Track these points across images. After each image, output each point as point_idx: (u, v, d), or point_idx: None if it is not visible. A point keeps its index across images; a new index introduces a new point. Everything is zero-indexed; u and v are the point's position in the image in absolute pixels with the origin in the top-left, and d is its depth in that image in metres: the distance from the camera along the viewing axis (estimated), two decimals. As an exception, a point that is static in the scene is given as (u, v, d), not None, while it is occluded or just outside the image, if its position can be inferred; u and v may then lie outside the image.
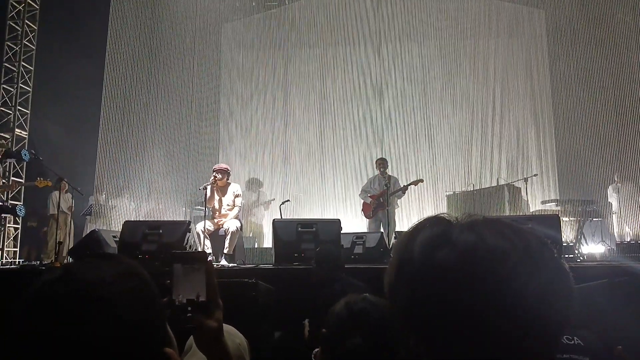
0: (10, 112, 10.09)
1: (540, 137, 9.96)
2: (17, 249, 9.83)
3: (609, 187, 8.62)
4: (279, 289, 4.27)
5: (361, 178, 9.80)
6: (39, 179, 7.64)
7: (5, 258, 9.35)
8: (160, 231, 5.53)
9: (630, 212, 8.46)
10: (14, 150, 9.60)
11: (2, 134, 9.99)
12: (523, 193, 8.51)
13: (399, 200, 8.15)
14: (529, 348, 0.65)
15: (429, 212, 9.16)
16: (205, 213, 6.29)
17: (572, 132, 9.19)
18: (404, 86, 10.24)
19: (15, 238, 9.87)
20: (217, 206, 6.49)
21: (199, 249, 5.71)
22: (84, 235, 7.33)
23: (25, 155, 7.76)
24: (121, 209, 9.02)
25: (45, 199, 9.04)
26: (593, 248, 7.28)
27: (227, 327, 1.23)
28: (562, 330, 0.69)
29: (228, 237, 6.11)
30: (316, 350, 1.61)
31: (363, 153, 10.22)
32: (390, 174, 8.19)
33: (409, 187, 7.98)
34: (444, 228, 0.71)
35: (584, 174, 8.78)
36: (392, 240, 6.51)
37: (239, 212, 6.59)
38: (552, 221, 5.39)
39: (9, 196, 9.40)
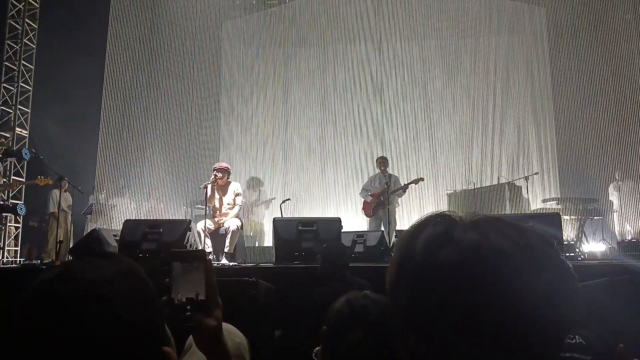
0: (11, 111, 10.09)
1: (541, 135, 9.95)
2: (18, 248, 9.84)
3: (610, 185, 8.61)
4: (280, 288, 4.27)
5: (362, 176, 9.80)
6: (39, 177, 7.64)
7: (6, 257, 9.35)
8: (161, 230, 5.54)
9: (631, 210, 8.45)
10: (14, 149, 9.60)
11: (2, 133, 9.99)
12: (524, 191, 8.50)
13: (399, 199, 8.14)
14: (532, 349, 0.64)
15: (430, 210, 9.12)
16: (205, 212, 6.29)
17: (573, 130, 9.18)
18: (404, 84, 10.23)
19: (16, 237, 9.88)
20: (217, 205, 6.50)
21: (200, 248, 5.71)
22: (84, 234, 7.34)
23: (25, 154, 7.75)
24: (121, 208, 9.02)
25: (45, 199, 9.05)
26: (594, 246, 7.29)
27: (227, 326, 1.22)
28: (566, 330, 0.68)
29: (228, 236, 6.11)
30: (317, 348, 1.61)
31: (364, 151, 10.21)
32: (390, 172, 8.18)
33: (410, 185, 7.98)
34: (447, 226, 0.71)
35: (585, 172, 8.77)
36: (393, 239, 6.51)
37: (239, 211, 6.59)
38: (553, 220, 5.38)
39: (10, 195, 9.40)
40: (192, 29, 10.21)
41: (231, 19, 10.87)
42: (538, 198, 9.08)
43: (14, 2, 10.21)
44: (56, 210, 8.20)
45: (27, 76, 10.32)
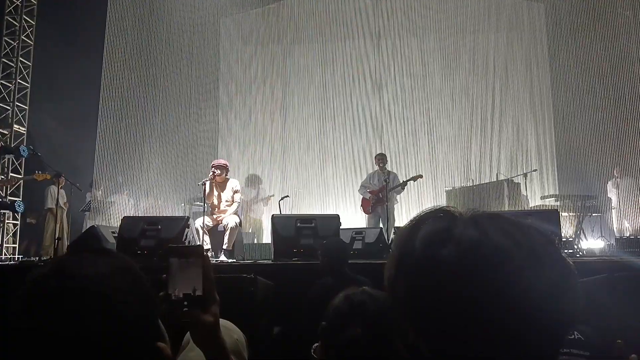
0: (9, 107, 10.06)
1: (540, 132, 9.95)
2: (17, 245, 9.83)
3: (609, 182, 8.63)
4: (278, 285, 4.27)
5: (360, 173, 9.79)
6: (37, 172, 7.62)
7: (4, 254, 9.34)
8: (159, 227, 5.54)
9: (629, 207, 8.47)
10: (12, 146, 9.59)
11: (0, 130, 9.97)
12: (522, 188, 8.51)
13: (398, 196, 8.14)
14: (532, 345, 0.64)
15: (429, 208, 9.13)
16: (204, 209, 6.29)
17: (571, 127, 9.19)
18: (403, 81, 10.22)
19: (14, 234, 9.86)
20: (216, 202, 6.49)
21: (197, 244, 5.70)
22: (83, 231, 7.33)
23: (23, 151, 7.74)
24: (120, 205, 9.01)
25: (42, 195, 9.02)
26: (592, 243, 7.29)
27: (225, 322, 1.22)
28: (566, 327, 0.68)
29: (227, 232, 6.11)
30: (316, 344, 1.61)
31: (362, 148, 10.21)
32: (389, 169, 8.18)
33: (409, 182, 7.97)
34: (446, 223, 0.70)
35: (584, 169, 8.78)
36: (392, 236, 6.51)
37: (238, 207, 6.59)
38: (551, 216, 5.40)
39: (8, 192, 9.39)
40: (190, 26, 10.19)
41: (229, 16, 10.84)
42: (537, 195, 9.08)
43: (11, -2, 10.18)
44: (54, 207, 8.18)
45: (24, 73, 10.28)
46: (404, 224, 0.77)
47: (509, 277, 0.64)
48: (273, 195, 9.55)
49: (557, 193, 9.02)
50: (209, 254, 5.87)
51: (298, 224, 5.67)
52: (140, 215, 8.54)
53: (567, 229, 7.47)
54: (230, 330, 1.51)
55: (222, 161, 6.61)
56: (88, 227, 6.92)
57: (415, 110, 10.15)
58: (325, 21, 10.41)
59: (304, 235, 5.56)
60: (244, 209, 8.98)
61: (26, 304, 0.72)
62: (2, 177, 9.36)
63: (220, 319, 1.03)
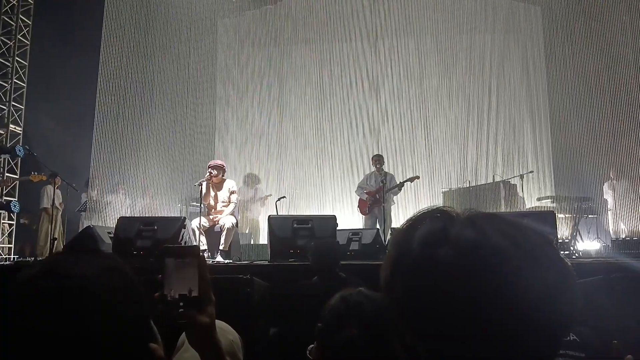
0: (5, 107, 10.03)
1: (537, 134, 9.98)
2: (12, 246, 9.79)
3: (605, 184, 8.65)
4: (274, 286, 4.26)
5: (357, 174, 9.79)
6: (33, 173, 7.59)
7: (0, 254, 9.31)
8: (155, 227, 5.52)
9: (625, 208, 8.49)
10: (8, 146, 9.55)
11: (-4, 130, 9.94)
12: (519, 190, 8.53)
13: (395, 197, 8.15)
14: (529, 346, 0.64)
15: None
16: (200, 209, 6.28)
17: (568, 129, 9.21)
18: (400, 81, 10.23)
19: (9, 234, 9.83)
20: (212, 202, 6.48)
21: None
22: (79, 231, 7.30)
23: (19, 151, 7.71)
24: (116, 205, 8.99)
25: (39, 194, 8.99)
26: (588, 245, 7.31)
27: (220, 324, 1.21)
28: (564, 329, 0.67)
29: (224, 233, 6.10)
30: (311, 345, 1.61)
31: (359, 149, 10.21)
32: (386, 170, 8.19)
33: (405, 183, 7.98)
34: (444, 223, 0.70)
35: (580, 171, 8.81)
36: (388, 237, 6.51)
37: (234, 208, 6.58)
38: (547, 218, 5.41)
39: (4, 192, 9.35)
40: (188, 26, 10.18)
41: (226, 16, 10.83)
42: (533, 196, 9.10)
43: (7, -3, 10.15)
44: (49, 207, 8.15)
45: (21, 72, 10.25)
46: (401, 224, 0.76)
47: (506, 278, 0.63)
48: (270, 195, 9.54)
49: (554, 194, 9.03)
50: (205, 254, 5.85)
51: (295, 225, 5.67)
52: (136, 215, 8.52)
53: (563, 231, 7.48)
54: (225, 332, 1.50)
55: (218, 162, 6.61)
56: (84, 227, 6.89)
57: (412, 111, 10.17)
58: (322, 22, 10.42)
59: (300, 236, 5.55)
60: (240, 209, 8.97)
61: (16, 304, 0.71)
62: (-2, 177, 9.34)
63: (216, 320, 1.02)
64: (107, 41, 9.37)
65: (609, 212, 8.58)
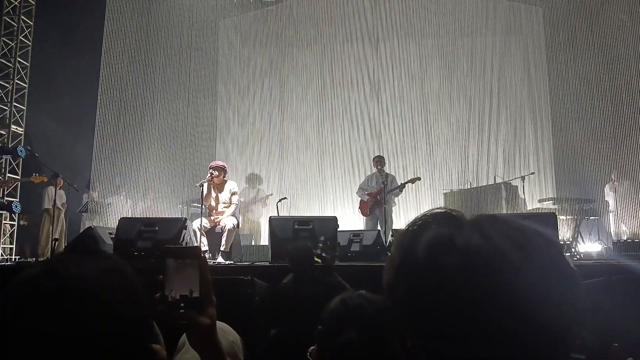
0: (6, 108, 10.05)
1: (538, 135, 9.96)
2: (13, 246, 9.80)
3: (606, 185, 8.64)
4: (275, 287, 4.25)
5: (359, 175, 9.79)
6: (34, 174, 7.60)
7: (1, 255, 9.31)
8: (156, 228, 5.52)
9: (626, 210, 8.48)
10: (9, 146, 9.57)
11: (-2, 131, 9.96)
12: (520, 191, 8.52)
13: (396, 198, 8.15)
14: (530, 348, 0.64)
15: (426, 210, 9.14)
16: (202, 210, 6.28)
17: (569, 131, 9.21)
18: (401, 83, 10.23)
19: (11, 235, 9.84)
20: (213, 203, 6.48)
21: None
22: (80, 232, 7.31)
23: (21, 151, 7.72)
24: (117, 206, 8.99)
25: (40, 196, 9.00)
26: (590, 246, 7.30)
27: (221, 325, 1.21)
28: (571, 334, 0.67)
29: (225, 234, 6.10)
30: (312, 347, 1.61)
31: (360, 150, 10.21)
32: (387, 171, 8.19)
33: (406, 185, 7.98)
34: (450, 229, 0.69)
35: (582, 173, 8.80)
36: (389, 239, 6.50)
37: (235, 209, 6.58)
38: (549, 219, 5.40)
39: (5, 193, 9.36)
40: (189, 27, 10.19)
41: (228, 17, 10.85)
42: (534, 198, 9.10)
43: (9, -2, 10.17)
44: (51, 207, 8.16)
45: (22, 73, 10.27)
46: (404, 226, 0.76)
47: (511, 285, 0.63)
48: (271, 194, 9.55)
49: (555, 196, 9.03)
50: (207, 255, 5.85)
51: (296, 226, 5.66)
52: (137, 216, 8.52)
53: (564, 232, 7.48)
54: (226, 333, 1.51)
55: (220, 163, 6.61)
56: (85, 228, 6.89)
57: (414, 112, 10.16)
58: (324, 23, 10.42)
59: (301, 237, 5.54)
60: (242, 210, 8.97)
61: (16, 304, 0.71)
62: (0, 177, 9.34)
63: (216, 321, 1.02)
64: (109, 42, 9.39)
65: (611, 214, 8.57)
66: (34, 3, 10.39)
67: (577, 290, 0.67)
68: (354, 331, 1.42)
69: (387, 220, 7.40)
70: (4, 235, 9.64)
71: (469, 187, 9.30)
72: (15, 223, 9.88)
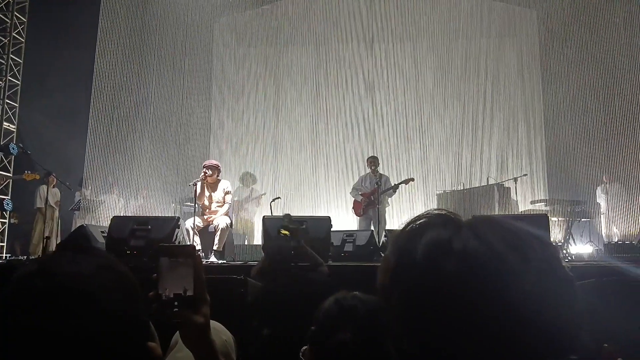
0: (-1, 105, 9.98)
1: (531, 137, 10.02)
2: (4, 244, 9.73)
3: (598, 188, 8.70)
4: (268, 286, 4.25)
5: (352, 175, 9.81)
6: (26, 172, 7.55)
7: (-8, 253, 9.25)
8: (149, 227, 5.49)
9: (618, 212, 8.54)
10: (1, 144, 9.50)
11: (-11, 127, 9.88)
12: (512, 193, 8.56)
13: (389, 198, 8.16)
14: (532, 355, 0.64)
15: (420, 211, 9.13)
16: (195, 209, 6.26)
17: (562, 133, 9.27)
18: (395, 84, 10.26)
19: (2, 233, 9.76)
20: (207, 203, 6.47)
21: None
22: (72, 230, 7.27)
23: (13, 149, 7.68)
24: (110, 205, 8.95)
25: (32, 194, 8.95)
26: (581, 248, 7.34)
27: (213, 324, 1.21)
28: (567, 336, 0.67)
29: (218, 233, 6.09)
30: (304, 347, 1.60)
31: (354, 150, 10.23)
32: (381, 172, 8.20)
33: (400, 185, 7.99)
34: (449, 233, 0.69)
35: (573, 175, 8.85)
36: (382, 239, 6.51)
37: (229, 208, 6.57)
38: (540, 221, 5.41)
39: (-4, 190, 9.30)
40: (184, 25, 10.16)
41: (223, 16, 10.83)
42: (527, 199, 9.14)
43: (2, -6, 10.10)
44: (43, 206, 8.11)
45: (15, 70, 10.19)
46: (400, 226, 0.75)
47: (511, 289, 0.63)
48: (264, 194, 9.54)
49: (547, 198, 9.08)
50: (200, 253, 5.84)
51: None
52: (130, 215, 8.48)
53: (556, 234, 7.52)
54: (219, 332, 1.51)
55: (213, 162, 6.60)
56: (77, 226, 6.86)
57: (408, 113, 10.19)
58: (320, 23, 10.43)
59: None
60: (235, 209, 8.95)
61: (10, 303, 0.71)
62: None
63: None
64: (102, 40, 9.35)
65: (602, 216, 8.63)
66: (27, -1, 10.33)
67: (574, 292, 0.68)
68: (348, 332, 1.42)
69: (380, 220, 7.41)
70: (-5, 233, 9.58)
71: (462, 188, 9.33)
72: (7, 221, 9.81)
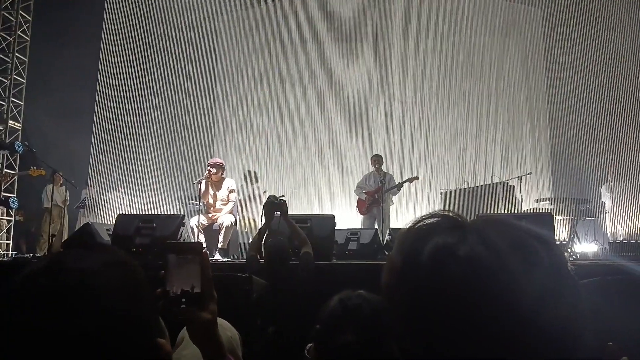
0: (4, 103, 10.01)
1: (535, 136, 9.99)
2: (10, 242, 9.77)
3: (603, 186, 8.66)
4: (273, 284, 4.26)
5: (356, 174, 9.80)
6: (32, 167, 7.58)
7: (-2, 250, 9.30)
8: (154, 225, 5.51)
9: (623, 211, 8.51)
10: (7, 142, 9.53)
11: (-5, 126, 9.93)
12: (517, 191, 8.53)
13: (393, 197, 8.16)
14: (536, 356, 0.64)
15: (424, 209, 9.18)
16: (199, 207, 6.28)
17: (567, 131, 9.23)
18: (400, 82, 10.24)
19: (8, 230, 9.81)
20: (211, 201, 6.49)
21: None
22: (77, 228, 7.30)
23: (18, 147, 7.70)
24: (115, 203, 8.98)
25: (38, 192, 8.99)
26: (586, 247, 7.33)
27: (219, 321, 1.22)
28: (571, 337, 0.67)
29: (222, 231, 6.10)
30: (309, 345, 1.61)
31: (359, 149, 10.22)
32: (385, 170, 8.20)
33: (404, 184, 7.99)
34: (457, 237, 0.68)
35: (578, 173, 8.82)
36: (387, 237, 6.52)
37: (233, 207, 6.59)
38: (545, 220, 5.41)
39: (2, 188, 9.33)
40: (188, 23, 10.17)
41: (227, 14, 10.83)
42: (531, 198, 9.11)
43: (8, -7, 10.13)
44: (50, 206, 8.15)
45: (20, 68, 10.23)
46: (402, 225, 0.76)
47: (516, 291, 0.63)
48: (267, 191, 9.54)
49: (552, 196, 9.05)
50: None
51: (293, 224, 5.65)
52: (135, 213, 8.51)
53: (561, 233, 7.50)
54: (224, 329, 1.52)
55: (218, 160, 6.62)
56: (83, 224, 6.89)
57: (412, 111, 10.18)
58: (324, 21, 10.42)
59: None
60: (240, 208, 8.96)
61: (18, 300, 0.71)
62: (-3, 173, 9.32)
63: (217, 317, 1.03)
64: (107, 38, 9.37)
65: (607, 215, 8.59)
66: (32, -2, 10.36)
67: (578, 293, 0.68)
68: (352, 331, 1.43)
69: (384, 219, 7.41)
70: (1, 230, 9.62)
71: (466, 186, 9.31)
72: (12, 219, 9.86)
